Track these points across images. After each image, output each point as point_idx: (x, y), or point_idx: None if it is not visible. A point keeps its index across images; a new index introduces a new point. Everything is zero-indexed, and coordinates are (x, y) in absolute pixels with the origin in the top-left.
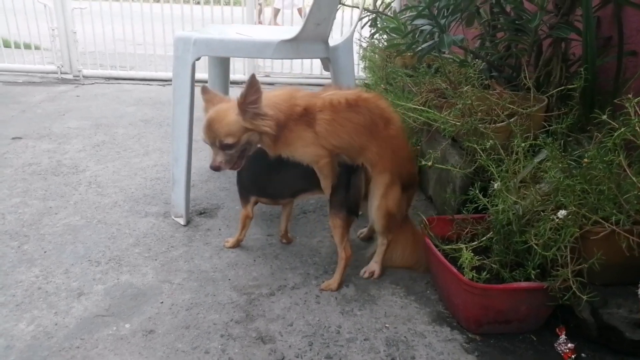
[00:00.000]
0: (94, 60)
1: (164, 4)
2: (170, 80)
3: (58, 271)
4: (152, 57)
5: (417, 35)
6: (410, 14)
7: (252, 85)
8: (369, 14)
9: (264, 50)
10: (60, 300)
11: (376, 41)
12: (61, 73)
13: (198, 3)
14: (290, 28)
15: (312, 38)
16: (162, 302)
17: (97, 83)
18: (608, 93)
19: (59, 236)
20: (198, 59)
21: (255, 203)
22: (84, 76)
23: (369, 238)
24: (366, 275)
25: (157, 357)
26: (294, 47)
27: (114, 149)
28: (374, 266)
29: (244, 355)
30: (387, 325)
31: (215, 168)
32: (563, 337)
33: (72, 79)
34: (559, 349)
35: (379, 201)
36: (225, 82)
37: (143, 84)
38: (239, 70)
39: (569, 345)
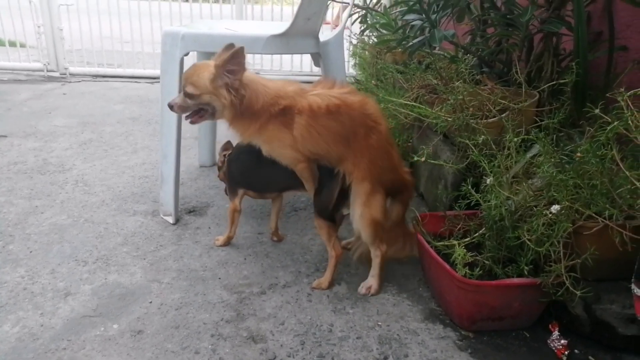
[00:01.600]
0: (80, 58)
1: (151, 1)
2: (159, 78)
3: (44, 271)
4: (140, 55)
5: (407, 31)
6: (401, 9)
7: (235, 57)
8: (358, 10)
9: (253, 45)
10: (47, 300)
11: (366, 38)
12: (47, 71)
13: (186, 0)
14: (280, 23)
15: (302, 33)
16: (150, 302)
17: (84, 81)
18: (599, 88)
19: (45, 235)
20: (187, 54)
21: (242, 196)
22: (70, 74)
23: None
24: (364, 291)
25: (145, 357)
26: (284, 42)
27: (102, 147)
28: (371, 281)
29: (235, 355)
30: (379, 323)
31: (169, 105)
32: (556, 333)
33: (59, 76)
34: (552, 345)
35: (361, 209)
36: None
37: (131, 82)
38: None
39: (562, 341)
